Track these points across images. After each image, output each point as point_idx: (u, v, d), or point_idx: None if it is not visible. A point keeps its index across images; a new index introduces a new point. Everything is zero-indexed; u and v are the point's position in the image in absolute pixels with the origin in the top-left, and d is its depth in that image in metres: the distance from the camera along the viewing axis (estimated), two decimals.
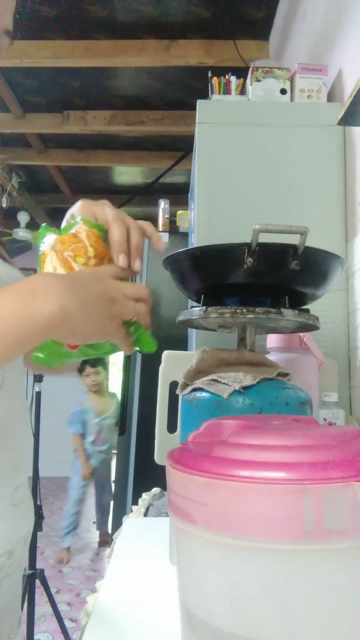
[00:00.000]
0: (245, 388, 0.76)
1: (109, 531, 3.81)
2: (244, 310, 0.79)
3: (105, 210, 0.65)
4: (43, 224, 0.65)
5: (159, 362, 1.17)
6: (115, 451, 2.71)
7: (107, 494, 3.87)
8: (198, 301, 0.88)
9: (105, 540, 3.83)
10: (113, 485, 2.75)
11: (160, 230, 2.85)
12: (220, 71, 1.73)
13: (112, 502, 3.80)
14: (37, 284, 0.51)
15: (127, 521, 1.06)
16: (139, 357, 2.57)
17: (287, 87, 1.51)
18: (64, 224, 0.66)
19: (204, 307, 0.83)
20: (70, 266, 0.59)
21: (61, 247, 0.60)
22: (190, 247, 1.30)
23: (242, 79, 1.63)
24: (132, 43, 2.83)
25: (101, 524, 3.93)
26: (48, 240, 0.62)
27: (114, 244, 0.62)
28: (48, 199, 5.37)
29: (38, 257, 0.62)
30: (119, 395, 3.75)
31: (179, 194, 4.35)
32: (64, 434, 5.99)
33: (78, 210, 0.66)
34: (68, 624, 2.44)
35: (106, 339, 0.58)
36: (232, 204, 1.42)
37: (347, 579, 0.38)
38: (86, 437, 3.73)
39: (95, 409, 3.80)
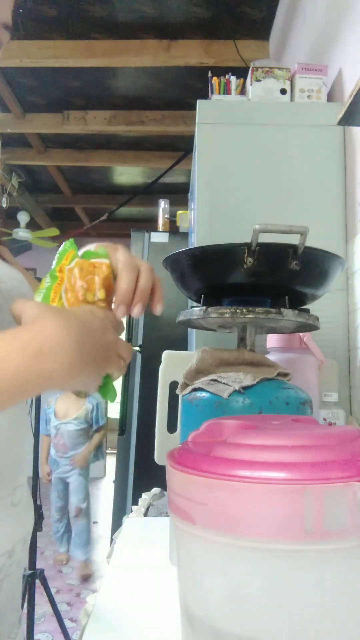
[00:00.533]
0: (245, 388, 0.76)
1: (92, 558, 3.39)
2: (244, 310, 0.79)
3: (117, 255, 0.63)
4: (71, 239, 0.63)
5: (159, 362, 1.17)
6: (115, 451, 2.69)
7: (81, 517, 3.37)
8: (198, 301, 0.88)
9: (87, 574, 3.24)
10: (113, 485, 2.70)
11: (160, 230, 2.85)
12: (220, 71, 1.73)
13: (91, 526, 3.45)
14: (46, 340, 0.48)
15: (127, 521, 1.06)
16: (139, 357, 2.57)
17: (287, 87, 1.51)
18: (90, 248, 0.64)
19: (204, 307, 0.83)
20: (77, 297, 0.58)
21: (79, 274, 0.59)
22: (190, 247, 1.30)
23: (242, 79, 1.63)
24: (132, 43, 2.83)
25: (76, 550, 3.34)
26: (68, 256, 0.61)
27: (118, 293, 0.61)
28: (48, 199, 5.37)
29: (55, 264, 0.61)
30: (101, 401, 3.55)
31: (179, 194, 4.35)
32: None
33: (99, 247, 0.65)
34: (68, 624, 2.44)
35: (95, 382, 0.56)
36: (232, 204, 1.42)
37: (347, 579, 0.38)
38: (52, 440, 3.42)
39: (57, 410, 3.40)
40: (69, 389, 0.54)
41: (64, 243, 0.63)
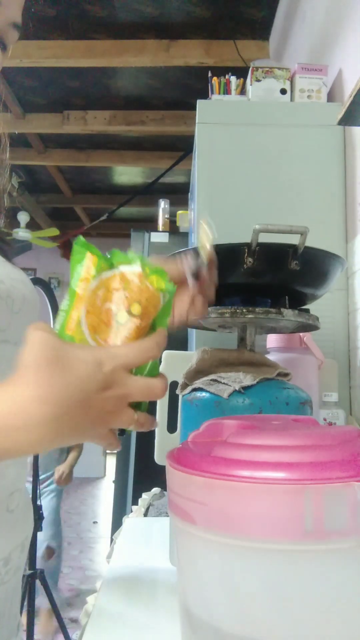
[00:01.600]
0: (245, 388, 0.76)
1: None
2: (244, 310, 0.79)
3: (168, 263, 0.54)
4: (82, 240, 0.51)
5: (159, 362, 1.17)
6: (115, 451, 2.68)
7: (52, 559, 2.58)
8: None
9: (50, 629, 2.50)
10: (113, 485, 2.68)
11: (160, 230, 2.85)
12: (220, 71, 1.73)
13: (61, 569, 2.67)
14: (17, 413, 0.43)
15: (127, 521, 1.06)
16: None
17: (287, 87, 1.51)
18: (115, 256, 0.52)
19: None
20: (102, 321, 0.49)
21: (103, 293, 0.49)
22: (190, 247, 1.30)
23: (242, 79, 1.63)
24: (132, 43, 2.83)
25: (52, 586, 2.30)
26: (89, 266, 0.49)
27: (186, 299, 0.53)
28: (48, 199, 5.38)
29: (73, 277, 0.50)
30: None
31: (179, 194, 4.35)
32: None
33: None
34: (68, 624, 2.44)
35: (85, 441, 0.50)
36: (232, 204, 1.42)
37: (347, 579, 0.38)
38: None
39: None
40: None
41: (74, 246, 0.51)
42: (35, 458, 2.15)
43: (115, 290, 0.48)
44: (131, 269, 0.49)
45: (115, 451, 0.48)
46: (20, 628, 0.70)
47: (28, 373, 0.44)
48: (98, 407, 0.46)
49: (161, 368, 1.16)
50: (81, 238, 0.51)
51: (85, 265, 0.49)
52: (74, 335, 0.49)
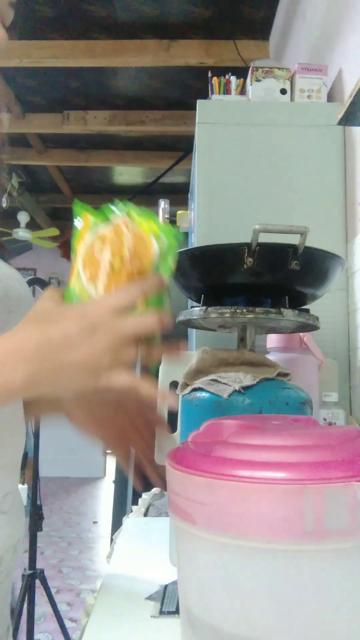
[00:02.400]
0: (245, 388, 0.76)
1: None
2: (244, 310, 0.79)
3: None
4: (82, 205, 0.56)
5: (159, 362, 1.17)
6: None
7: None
8: (198, 301, 0.88)
9: None
10: (113, 485, 2.68)
11: None
12: (220, 71, 1.73)
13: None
14: (8, 350, 0.49)
15: (127, 521, 1.06)
16: (139, 357, 2.56)
17: (287, 87, 1.51)
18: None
19: (204, 307, 0.83)
20: (104, 271, 0.52)
21: (99, 247, 0.53)
22: (190, 247, 1.30)
23: (242, 79, 1.63)
24: (132, 43, 2.83)
25: None
26: (84, 228, 0.54)
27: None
28: (48, 199, 5.37)
29: (73, 236, 0.55)
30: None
31: (179, 194, 4.35)
32: (64, 434, 6.00)
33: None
34: (68, 624, 2.44)
35: (101, 390, 0.51)
36: (232, 204, 1.42)
37: (347, 579, 0.38)
38: None
39: None
40: (68, 394, 0.53)
41: (74, 210, 0.55)
42: (36, 459, 2.15)
43: (109, 241, 0.52)
44: (121, 219, 0.53)
45: (151, 395, 0.49)
46: (10, 631, 0.70)
47: (24, 324, 0.52)
48: (90, 348, 0.49)
49: (161, 368, 1.16)
50: (77, 201, 0.56)
51: (81, 223, 0.54)
52: (75, 286, 0.54)
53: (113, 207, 0.54)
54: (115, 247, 0.52)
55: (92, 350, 0.50)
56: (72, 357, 0.50)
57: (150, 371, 0.56)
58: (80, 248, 0.54)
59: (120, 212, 0.54)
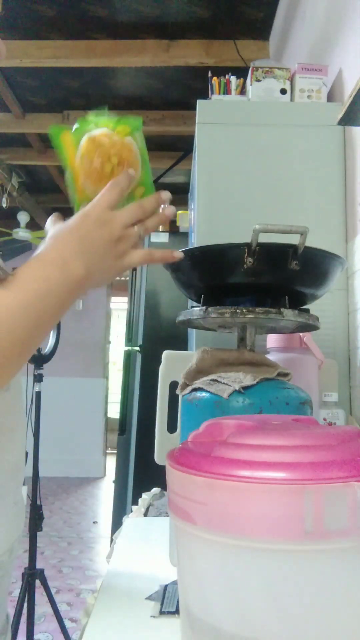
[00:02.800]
0: (245, 388, 0.76)
1: None
2: (244, 310, 0.79)
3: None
4: (53, 127, 0.67)
5: (159, 362, 1.17)
6: (115, 451, 2.69)
7: None
8: (198, 301, 0.88)
9: None
10: (113, 485, 2.68)
11: (161, 230, 2.85)
12: (220, 71, 1.73)
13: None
14: (64, 251, 0.58)
15: (127, 521, 1.06)
16: (138, 357, 2.57)
17: (287, 87, 1.51)
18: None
19: (204, 307, 0.83)
20: (100, 178, 0.63)
21: (88, 158, 0.63)
22: (190, 247, 1.30)
23: (242, 79, 1.63)
24: (132, 43, 2.83)
25: None
26: (69, 148, 0.65)
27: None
28: (48, 199, 5.37)
29: (63, 163, 0.66)
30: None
31: (179, 194, 4.34)
32: (64, 434, 6.00)
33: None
34: (68, 624, 2.44)
35: (125, 270, 0.64)
36: (232, 204, 1.42)
37: (347, 579, 0.38)
38: None
39: None
40: (100, 285, 0.63)
41: (50, 136, 0.66)
42: (36, 459, 2.15)
43: (94, 151, 0.63)
44: (99, 131, 0.64)
45: (168, 259, 0.69)
46: (9, 621, 0.73)
47: (57, 240, 0.60)
48: (106, 236, 0.60)
49: (161, 368, 1.16)
50: (52, 126, 0.67)
51: (65, 145, 0.64)
52: (81, 197, 0.65)
53: (88, 120, 0.66)
54: (104, 157, 0.63)
55: (108, 237, 0.60)
56: (100, 246, 0.60)
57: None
58: (74, 164, 0.64)
59: (99, 126, 0.65)
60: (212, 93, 1.63)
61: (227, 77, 1.64)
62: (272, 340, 1.11)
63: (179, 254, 0.68)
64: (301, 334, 1.07)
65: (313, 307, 0.89)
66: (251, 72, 1.52)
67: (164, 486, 0.48)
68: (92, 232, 0.60)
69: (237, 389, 0.75)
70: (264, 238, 0.76)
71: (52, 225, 0.64)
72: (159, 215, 0.65)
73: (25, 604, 1.97)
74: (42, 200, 5.35)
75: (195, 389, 0.81)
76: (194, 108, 1.49)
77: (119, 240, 0.61)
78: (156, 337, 2.56)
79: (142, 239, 0.64)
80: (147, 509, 1.16)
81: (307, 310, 0.86)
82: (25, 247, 5.86)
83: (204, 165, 1.45)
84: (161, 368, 1.15)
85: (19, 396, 0.71)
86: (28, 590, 1.97)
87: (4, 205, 4.37)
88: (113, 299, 6.62)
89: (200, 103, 1.48)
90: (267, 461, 0.39)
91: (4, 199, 4.36)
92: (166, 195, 0.66)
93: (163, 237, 2.72)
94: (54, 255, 0.58)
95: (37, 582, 2.02)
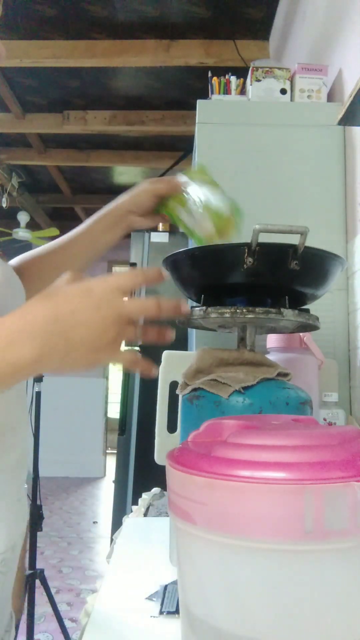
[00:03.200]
0: (245, 388, 0.76)
1: None
2: (244, 310, 0.79)
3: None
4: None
5: (159, 362, 1.17)
6: (115, 451, 2.69)
7: None
8: (198, 301, 0.88)
9: None
10: (113, 485, 2.69)
11: (160, 230, 2.85)
12: (220, 71, 1.73)
13: None
14: (17, 327, 0.50)
15: (127, 521, 1.06)
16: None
17: (287, 87, 1.51)
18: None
19: (204, 307, 0.83)
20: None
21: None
22: (190, 247, 1.30)
23: (242, 79, 1.63)
24: (132, 43, 2.83)
25: None
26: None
27: None
28: (48, 199, 5.37)
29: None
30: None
31: None
32: (64, 434, 6.00)
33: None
34: (68, 624, 2.44)
35: (101, 366, 0.56)
36: None
37: (347, 579, 0.38)
38: None
39: None
40: (70, 371, 0.55)
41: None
42: (36, 459, 2.15)
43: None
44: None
45: (146, 372, 0.55)
46: (13, 618, 0.73)
47: (33, 301, 0.53)
48: (96, 324, 0.52)
49: (161, 368, 1.16)
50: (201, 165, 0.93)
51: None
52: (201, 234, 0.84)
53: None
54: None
55: (97, 326, 0.52)
56: (78, 332, 0.51)
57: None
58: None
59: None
60: (212, 93, 1.63)
61: (227, 77, 1.64)
62: (272, 340, 1.11)
63: (171, 335, 0.60)
64: (301, 334, 1.07)
65: (313, 307, 0.89)
66: (251, 72, 1.52)
67: (164, 486, 0.48)
68: (80, 313, 0.51)
69: (237, 389, 0.75)
70: (264, 238, 0.76)
71: (60, 283, 0.56)
72: (161, 332, 0.58)
73: (26, 604, 1.97)
74: (42, 200, 5.35)
75: (195, 389, 0.81)
76: (194, 108, 1.49)
77: (109, 330, 0.52)
78: None
79: (135, 341, 0.56)
80: (147, 509, 1.16)
81: (307, 310, 0.86)
82: (25, 247, 5.85)
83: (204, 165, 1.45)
84: (161, 368, 1.15)
85: (22, 395, 0.71)
86: (28, 590, 1.97)
87: (4, 205, 4.37)
88: None
89: (200, 103, 1.48)
90: (267, 461, 0.39)
91: (4, 199, 4.36)
92: (185, 308, 0.59)
93: (163, 237, 2.72)
94: (8, 326, 0.50)
95: (37, 582, 2.03)
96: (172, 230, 2.85)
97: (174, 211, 0.87)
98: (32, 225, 5.16)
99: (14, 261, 0.91)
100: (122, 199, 0.92)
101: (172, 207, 0.87)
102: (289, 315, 0.80)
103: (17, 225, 4.90)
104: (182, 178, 0.88)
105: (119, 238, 0.94)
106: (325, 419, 1.07)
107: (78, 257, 0.93)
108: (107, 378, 6.40)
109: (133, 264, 2.68)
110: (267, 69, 1.52)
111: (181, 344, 2.28)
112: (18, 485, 0.68)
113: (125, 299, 0.54)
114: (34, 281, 0.85)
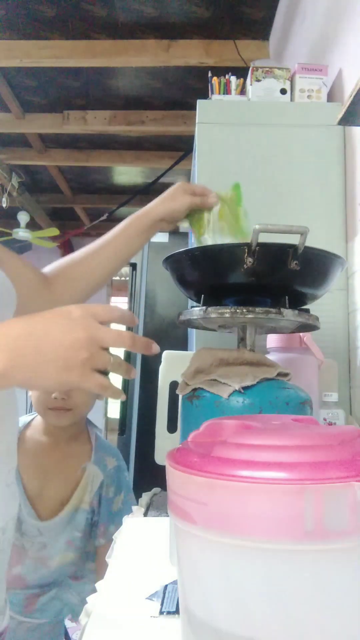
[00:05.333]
0: (245, 388, 0.76)
1: None
2: (244, 310, 0.79)
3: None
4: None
5: (159, 362, 1.17)
6: None
7: None
8: (198, 301, 0.88)
9: None
10: None
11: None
12: (220, 71, 1.73)
13: None
14: None
15: (127, 521, 1.06)
16: (139, 357, 2.57)
17: (287, 87, 1.51)
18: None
19: (204, 307, 0.83)
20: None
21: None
22: (190, 247, 1.30)
23: (242, 79, 1.63)
24: (132, 43, 2.83)
25: None
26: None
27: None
28: (48, 199, 5.37)
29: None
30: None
31: None
32: None
33: None
34: (68, 624, 2.44)
35: (72, 386, 0.56)
36: None
37: (347, 579, 0.38)
38: None
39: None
40: (39, 389, 0.57)
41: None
42: None
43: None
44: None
45: (115, 397, 0.58)
46: (7, 603, 0.76)
47: (14, 319, 0.55)
48: (68, 343, 0.53)
49: (161, 368, 1.16)
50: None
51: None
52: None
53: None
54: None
55: (68, 345, 0.53)
56: (49, 349, 0.52)
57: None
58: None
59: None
60: (212, 93, 1.63)
61: (227, 77, 1.64)
62: (272, 340, 1.11)
63: (133, 373, 0.62)
64: (301, 334, 1.07)
65: (313, 307, 0.89)
66: (251, 72, 1.52)
67: (164, 486, 0.48)
68: (53, 331, 0.53)
69: (237, 389, 0.75)
70: (264, 238, 0.76)
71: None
72: (127, 368, 0.59)
73: None
74: (42, 200, 5.35)
75: (195, 389, 0.81)
76: (194, 108, 1.49)
77: (79, 352, 0.53)
78: (156, 337, 2.55)
79: (107, 369, 0.57)
80: (147, 509, 1.16)
81: (307, 310, 0.86)
82: (26, 247, 5.85)
83: (204, 165, 1.45)
84: (161, 368, 1.15)
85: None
86: None
87: (4, 205, 4.37)
88: (113, 299, 6.62)
89: (200, 103, 1.48)
90: (267, 461, 0.39)
91: (4, 199, 4.36)
92: (156, 349, 0.61)
93: (163, 237, 2.72)
94: None
95: None
96: (172, 230, 2.85)
97: (198, 223, 0.98)
98: (32, 225, 5.16)
99: (48, 268, 0.93)
100: (157, 206, 0.96)
101: (198, 219, 0.98)
102: (289, 315, 0.80)
103: (17, 225, 4.89)
104: (213, 196, 0.99)
105: (147, 241, 1.00)
106: (325, 419, 1.07)
107: (112, 260, 0.96)
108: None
109: (133, 265, 2.68)
110: (267, 69, 1.52)
111: (181, 344, 2.28)
112: (7, 472, 0.72)
113: (101, 326, 0.56)
114: (68, 288, 0.89)
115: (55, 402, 1.15)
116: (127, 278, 2.88)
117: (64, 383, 0.54)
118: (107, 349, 0.56)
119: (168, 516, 0.45)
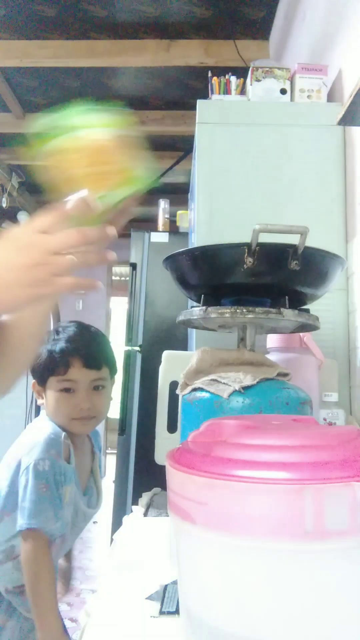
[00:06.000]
0: (245, 388, 0.76)
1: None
2: (244, 310, 0.79)
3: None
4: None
5: (159, 362, 1.17)
6: (115, 451, 2.69)
7: None
8: (198, 301, 0.88)
9: None
10: (113, 485, 2.69)
11: (160, 230, 2.85)
12: (220, 71, 1.73)
13: None
14: None
15: (127, 521, 1.06)
16: (139, 357, 2.57)
17: (287, 87, 1.51)
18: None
19: (204, 307, 0.83)
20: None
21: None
22: (190, 247, 1.30)
23: (242, 79, 1.63)
24: (132, 43, 2.83)
25: None
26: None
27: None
28: (48, 199, 5.37)
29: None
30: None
31: (179, 194, 4.34)
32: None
33: None
34: (68, 624, 2.44)
35: (44, 299, 0.60)
36: (232, 204, 1.42)
37: (347, 579, 0.38)
38: None
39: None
40: (10, 310, 0.60)
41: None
42: None
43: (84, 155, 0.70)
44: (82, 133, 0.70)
45: (91, 287, 0.61)
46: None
47: None
48: (20, 263, 0.56)
49: (161, 368, 1.16)
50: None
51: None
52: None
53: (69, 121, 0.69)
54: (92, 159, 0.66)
55: (21, 265, 0.56)
56: (9, 275, 0.56)
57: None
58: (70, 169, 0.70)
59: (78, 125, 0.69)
60: (212, 93, 1.63)
61: (227, 77, 1.64)
62: (272, 340, 1.11)
63: (98, 284, 0.62)
64: (301, 334, 1.07)
65: (313, 307, 0.89)
66: (251, 72, 1.52)
67: (164, 486, 0.48)
68: (5, 255, 0.56)
69: (237, 389, 0.75)
70: (264, 238, 0.76)
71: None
72: (100, 253, 0.60)
73: None
74: (42, 200, 5.35)
75: (195, 389, 0.81)
76: (194, 108, 1.49)
77: (37, 266, 0.56)
78: (156, 337, 2.55)
79: (74, 268, 0.58)
80: (147, 509, 1.16)
81: (307, 310, 0.86)
82: None
83: (204, 165, 1.45)
84: (161, 368, 1.15)
85: None
86: None
87: (4, 205, 4.37)
88: (113, 299, 6.62)
89: (200, 103, 1.48)
90: (267, 461, 0.39)
91: (4, 199, 4.36)
92: (111, 231, 0.61)
93: (163, 237, 2.72)
94: None
95: None
96: (173, 230, 2.85)
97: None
98: None
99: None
100: None
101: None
102: (289, 315, 0.80)
103: (17, 225, 4.89)
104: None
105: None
106: (325, 419, 1.07)
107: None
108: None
109: (133, 265, 2.68)
110: (267, 69, 1.52)
111: (181, 344, 2.28)
112: None
113: (47, 235, 0.57)
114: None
115: (81, 412, 1.18)
116: (127, 278, 2.88)
117: (33, 298, 0.58)
118: (63, 254, 0.57)
119: (168, 516, 0.45)
